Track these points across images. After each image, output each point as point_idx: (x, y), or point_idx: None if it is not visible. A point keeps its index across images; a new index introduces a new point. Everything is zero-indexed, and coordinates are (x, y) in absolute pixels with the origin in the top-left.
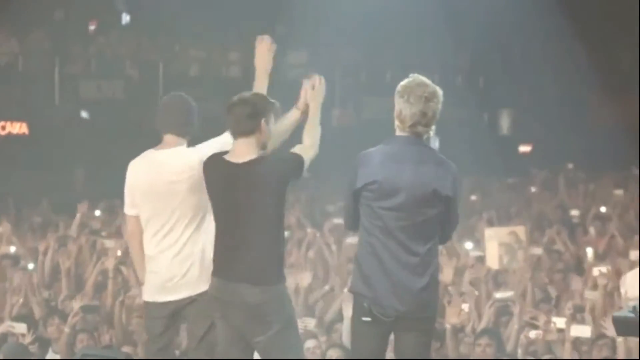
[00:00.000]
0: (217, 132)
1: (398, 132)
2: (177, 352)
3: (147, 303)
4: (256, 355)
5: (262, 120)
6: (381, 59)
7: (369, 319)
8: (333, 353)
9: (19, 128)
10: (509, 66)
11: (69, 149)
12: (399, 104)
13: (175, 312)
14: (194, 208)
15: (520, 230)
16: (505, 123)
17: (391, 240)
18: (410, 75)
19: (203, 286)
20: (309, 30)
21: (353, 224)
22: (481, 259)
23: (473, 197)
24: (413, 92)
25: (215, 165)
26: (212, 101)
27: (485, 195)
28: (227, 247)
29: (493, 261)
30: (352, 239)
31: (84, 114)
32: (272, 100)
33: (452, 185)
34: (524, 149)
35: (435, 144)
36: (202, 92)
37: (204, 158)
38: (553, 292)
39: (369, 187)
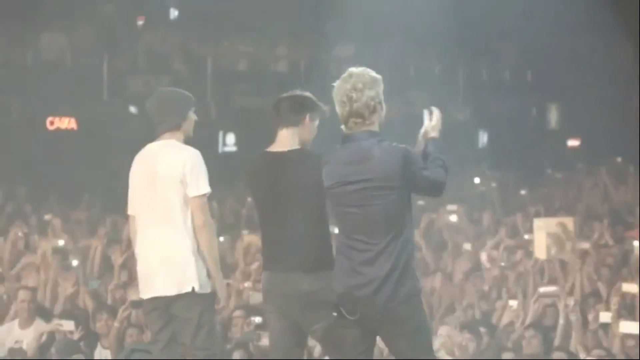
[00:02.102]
0: (265, 126)
1: (345, 130)
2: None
3: (141, 301)
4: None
5: (307, 116)
6: (428, 54)
7: (335, 313)
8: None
9: (67, 123)
10: (557, 60)
11: (117, 144)
12: (335, 104)
13: (166, 309)
14: (180, 205)
15: (569, 222)
16: (553, 117)
17: (352, 237)
18: (348, 69)
19: (188, 286)
20: (356, 25)
21: None
22: (529, 254)
23: (522, 192)
24: (338, 87)
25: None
26: (260, 96)
27: (533, 190)
28: (275, 239)
29: (541, 251)
30: None
31: (132, 110)
32: (320, 104)
33: (402, 172)
34: (572, 143)
35: (483, 138)
36: (250, 87)
37: (195, 156)
38: (601, 286)
39: (330, 188)
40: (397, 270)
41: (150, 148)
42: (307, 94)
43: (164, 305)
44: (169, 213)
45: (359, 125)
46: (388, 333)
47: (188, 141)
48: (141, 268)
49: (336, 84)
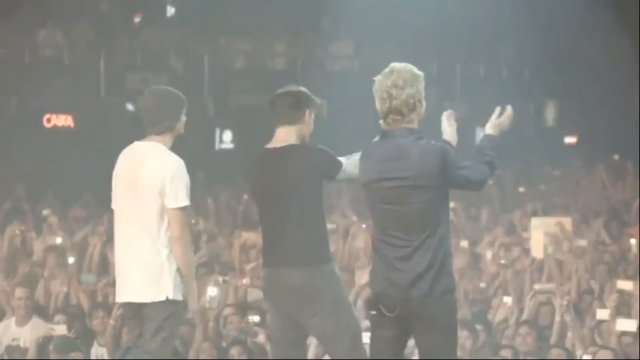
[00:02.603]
0: (262, 124)
1: (383, 126)
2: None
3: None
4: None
5: (307, 112)
6: (427, 50)
7: (374, 312)
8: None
9: (64, 120)
10: (554, 57)
11: (114, 141)
12: (375, 100)
13: (140, 313)
14: (158, 215)
15: (567, 221)
16: (550, 114)
17: (388, 233)
18: (390, 65)
19: (162, 295)
20: (355, 22)
21: None
22: (526, 251)
23: (521, 189)
24: (379, 83)
25: (256, 157)
26: (257, 93)
27: (531, 187)
28: (272, 236)
29: (538, 250)
30: None
31: (130, 107)
32: (315, 97)
33: (441, 170)
34: (570, 140)
35: (479, 135)
36: (247, 85)
37: (177, 167)
38: (597, 284)
39: (366, 184)
40: (434, 267)
41: (137, 148)
42: (303, 89)
43: (138, 310)
44: (147, 221)
45: (397, 122)
46: (421, 328)
47: (177, 140)
48: (118, 270)
49: (377, 78)
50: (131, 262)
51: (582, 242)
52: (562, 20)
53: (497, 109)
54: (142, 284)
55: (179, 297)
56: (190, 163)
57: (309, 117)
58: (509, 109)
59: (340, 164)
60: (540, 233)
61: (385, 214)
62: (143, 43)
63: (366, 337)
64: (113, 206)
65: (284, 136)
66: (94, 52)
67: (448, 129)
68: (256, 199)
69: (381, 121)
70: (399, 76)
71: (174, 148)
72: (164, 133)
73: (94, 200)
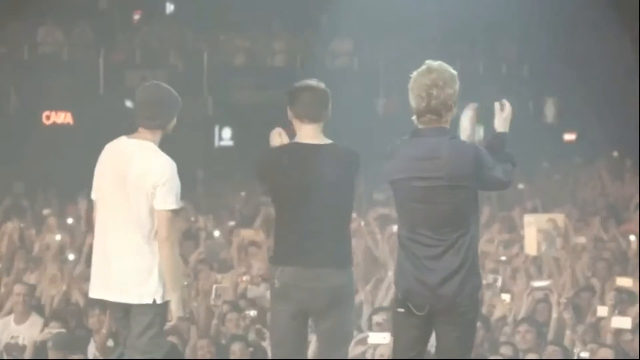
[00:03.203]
0: (262, 121)
1: (417, 124)
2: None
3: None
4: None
5: (329, 107)
6: (426, 48)
7: (402, 310)
8: None
9: (63, 118)
10: (553, 54)
11: (113, 138)
12: (410, 96)
13: (127, 313)
14: (147, 216)
15: (560, 218)
16: (550, 111)
17: (418, 232)
18: (425, 62)
19: (148, 298)
20: (354, 19)
21: None
22: (522, 248)
23: (520, 186)
24: (417, 81)
25: (283, 151)
26: (256, 90)
27: (530, 184)
28: (301, 233)
29: (531, 247)
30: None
31: (129, 104)
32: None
33: (474, 171)
34: (569, 137)
35: (479, 132)
36: (246, 82)
37: (168, 169)
38: (596, 281)
39: (395, 182)
40: (465, 267)
41: (126, 144)
42: (323, 85)
43: (127, 310)
44: (137, 221)
45: (433, 122)
46: (445, 322)
47: (176, 137)
48: (99, 265)
49: (414, 76)
50: (118, 261)
51: (581, 239)
52: (561, 17)
53: (498, 105)
54: (129, 285)
55: (167, 299)
56: (190, 160)
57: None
58: (507, 104)
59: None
60: (533, 230)
61: (415, 212)
62: (142, 40)
63: (380, 338)
64: (93, 197)
65: (313, 132)
66: (93, 50)
67: (468, 128)
68: (280, 190)
69: (414, 118)
70: (440, 76)
71: (174, 145)
72: (156, 130)
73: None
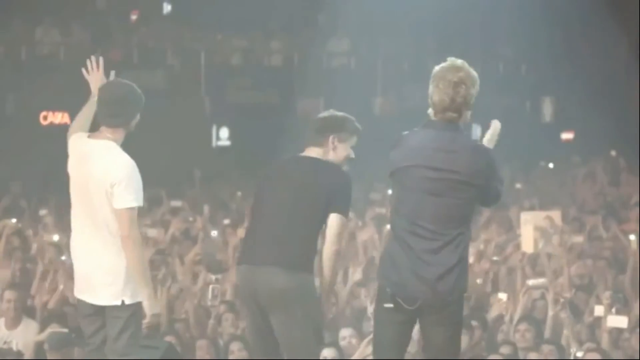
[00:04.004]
0: (259, 121)
1: (432, 118)
2: None
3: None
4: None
5: (331, 137)
6: (423, 47)
7: (391, 305)
8: (328, 353)
9: (60, 118)
10: (551, 53)
11: None
12: (431, 89)
13: (99, 313)
14: (111, 216)
15: (556, 215)
16: (547, 110)
17: (419, 224)
18: (448, 58)
19: (117, 299)
20: (351, 18)
21: None
22: (518, 246)
23: (517, 185)
24: (443, 77)
25: (282, 160)
26: (254, 90)
27: (528, 183)
28: (263, 234)
29: (528, 245)
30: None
31: None
32: (351, 121)
33: (487, 171)
34: (567, 136)
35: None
36: (243, 82)
37: (128, 167)
38: (593, 279)
39: (401, 171)
40: (460, 265)
41: (89, 145)
42: (337, 115)
43: (97, 311)
44: (102, 222)
45: (451, 119)
46: (435, 324)
47: (174, 137)
48: (76, 267)
49: (439, 71)
50: (86, 263)
51: (578, 238)
52: (558, 16)
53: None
54: (97, 287)
55: (138, 299)
56: (187, 160)
57: (337, 143)
58: (496, 123)
59: (347, 208)
60: (530, 227)
61: (421, 203)
62: (140, 40)
63: None
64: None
65: (311, 153)
66: (91, 50)
67: (489, 137)
68: (255, 201)
69: (431, 112)
70: (467, 75)
71: (171, 144)
72: (117, 128)
73: None
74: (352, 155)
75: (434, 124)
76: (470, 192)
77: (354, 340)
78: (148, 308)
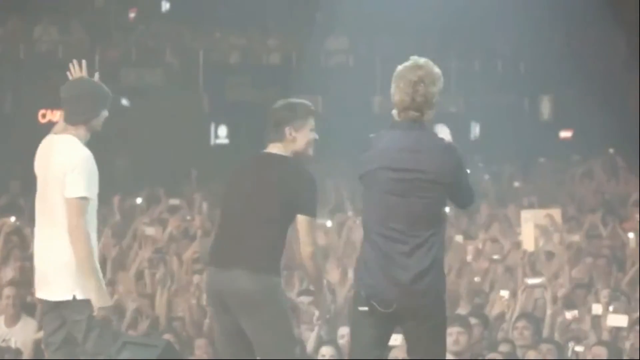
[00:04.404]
0: (257, 119)
1: (397, 118)
2: None
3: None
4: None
5: (286, 129)
6: (422, 45)
7: (365, 308)
8: (326, 351)
9: (59, 116)
10: (549, 51)
11: (109, 136)
12: (392, 89)
13: (58, 311)
14: (63, 209)
15: (556, 213)
16: (546, 109)
17: (389, 226)
18: (411, 57)
19: (68, 294)
20: (349, 16)
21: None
22: (517, 245)
23: (516, 184)
24: (404, 76)
25: (246, 159)
26: (252, 88)
27: (526, 181)
28: (227, 236)
29: (529, 243)
30: None
31: (125, 102)
32: (301, 105)
33: (455, 170)
34: (565, 134)
35: (475, 130)
36: (242, 80)
37: (82, 158)
38: (592, 278)
39: (369, 174)
40: (435, 267)
41: (50, 140)
42: (289, 102)
43: (53, 308)
44: (54, 216)
45: (414, 118)
46: (415, 327)
47: (172, 135)
48: (35, 265)
49: (400, 70)
50: (43, 260)
51: (576, 237)
52: (557, 14)
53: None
54: (51, 283)
55: (88, 296)
56: (186, 158)
57: (294, 133)
58: (443, 128)
59: (313, 208)
60: (530, 225)
61: (390, 205)
62: (138, 38)
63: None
64: None
65: (272, 149)
66: (89, 48)
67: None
68: (225, 195)
69: (394, 112)
70: (427, 73)
71: (169, 142)
72: (79, 125)
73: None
74: (315, 137)
75: (399, 124)
76: (438, 191)
77: None
78: (95, 301)
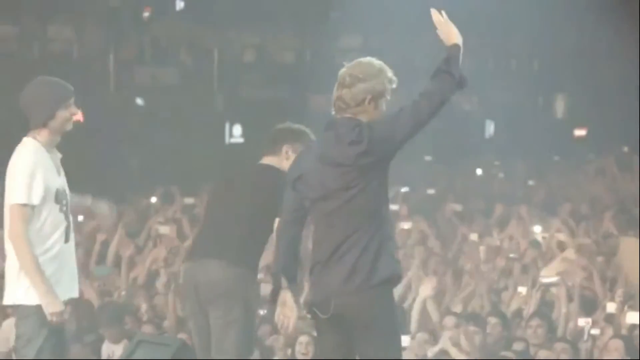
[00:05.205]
0: (272, 117)
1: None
2: None
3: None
4: None
5: (284, 147)
6: (436, 44)
7: (309, 315)
8: (303, 339)
9: None
10: (563, 50)
11: (124, 136)
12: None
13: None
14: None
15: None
16: (560, 107)
17: (323, 228)
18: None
19: (8, 299)
20: (363, 15)
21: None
22: (534, 244)
23: (530, 182)
24: (340, 76)
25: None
26: (266, 87)
27: (540, 180)
28: (208, 232)
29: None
30: (404, 224)
31: (139, 101)
32: (306, 134)
33: (373, 147)
34: (579, 132)
35: (489, 128)
36: (256, 78)
37: (23, 163)
38: (607, 277)
39: (298, 182)
40: (370, 253)
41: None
42: (290, 126)
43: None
44: (6, 220)
45: (341, 111)
46: (359, 334)
47: (187, 134)
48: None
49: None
50: (3, 265)
51: (587, 240)
52: (571, 13)
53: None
54: (6, 288)
55: (34, 302)
56: (200, 157)
57: (290, 153)
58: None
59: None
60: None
61: (317, 208)
62: (152, 37)
63: None
64: None
65: (265, 161)
66: (103, 47)
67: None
68: (208, 199)
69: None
70: (356, 72)
71: (184, 141)
72: (39, 129)
73: (104, 193)
74: None
75: (330, 124)
76: (368, 174)
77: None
78: (45, 307)
